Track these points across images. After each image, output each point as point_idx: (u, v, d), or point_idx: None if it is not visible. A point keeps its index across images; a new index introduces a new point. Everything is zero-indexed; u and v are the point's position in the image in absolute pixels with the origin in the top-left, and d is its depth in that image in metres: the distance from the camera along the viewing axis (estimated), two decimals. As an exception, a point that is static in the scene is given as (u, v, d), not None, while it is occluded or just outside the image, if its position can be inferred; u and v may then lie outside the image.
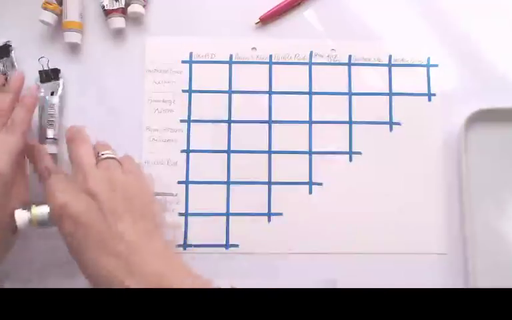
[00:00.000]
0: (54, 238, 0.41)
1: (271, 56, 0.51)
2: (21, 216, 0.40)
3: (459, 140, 0.49)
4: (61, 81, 0.50)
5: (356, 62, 0.52)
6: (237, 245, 0.49)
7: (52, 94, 0.49)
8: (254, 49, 0.51)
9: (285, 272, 0.48)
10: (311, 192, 0.50)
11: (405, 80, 0.51)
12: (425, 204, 0.50)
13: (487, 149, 0.50)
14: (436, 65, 0.52)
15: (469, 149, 0.49)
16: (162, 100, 0.50)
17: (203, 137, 0.50)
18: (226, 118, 0.50)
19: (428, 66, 0.52)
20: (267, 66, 0.51)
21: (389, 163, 0.50)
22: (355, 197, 0.50)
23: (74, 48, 0.51)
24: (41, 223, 0.41)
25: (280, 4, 0.52)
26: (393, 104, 0.51)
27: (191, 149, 0.50)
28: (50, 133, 0.48)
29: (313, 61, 0.52)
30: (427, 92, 0.51)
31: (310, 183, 0.50)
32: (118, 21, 0.50)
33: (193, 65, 0.51)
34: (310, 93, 0.51)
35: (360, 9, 0.53)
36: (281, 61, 0.51)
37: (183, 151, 0.50)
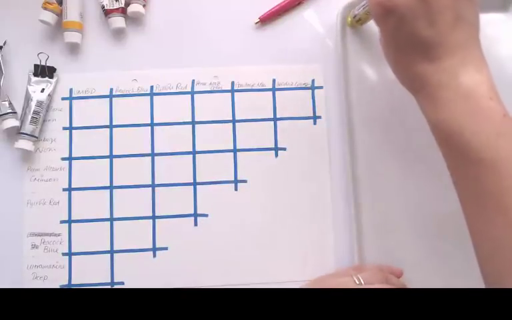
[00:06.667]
0: None
1: (152, 87, 0.50)
2: None
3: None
4: (54, 80, 0.49)
5: (239, 88, 0.51)
6: (122, 283, 0.48)
7: (42, 91, 0.49)
8: (135, 80, 0.51)
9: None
10: (196, 224, 0.49)
11: (289, 104, 0.50)
12: (313, 227, 0.49)
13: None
14: (321, 87, 0.51)
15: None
16: (43, 139, 0.50)
17: (85, 174, 0.49)
18: (107, 153, 0.50)
19: (313, 88, 0.51)
20: (148, 97, 0.50)
21: (276, 189, 0.49)
22: (241, 226, 0.49)
23: (74, 48, 0.51)
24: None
25: (280, 4, 0.51)
26: (278, 129, 0.50)
27: (72, 186, 0.49)
28: (30, 129, 0.48)
29: (195, 89, 0.51)
30: (312, 115, 0.50)
31: (195, 215, 0.49)
32: (118, 21, 0.50)
33: (73, 102, 0.50)
34: (193, 123, 0.50)
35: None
36: (162, 91, 0.50)
37: (64, 190, 0.49)
